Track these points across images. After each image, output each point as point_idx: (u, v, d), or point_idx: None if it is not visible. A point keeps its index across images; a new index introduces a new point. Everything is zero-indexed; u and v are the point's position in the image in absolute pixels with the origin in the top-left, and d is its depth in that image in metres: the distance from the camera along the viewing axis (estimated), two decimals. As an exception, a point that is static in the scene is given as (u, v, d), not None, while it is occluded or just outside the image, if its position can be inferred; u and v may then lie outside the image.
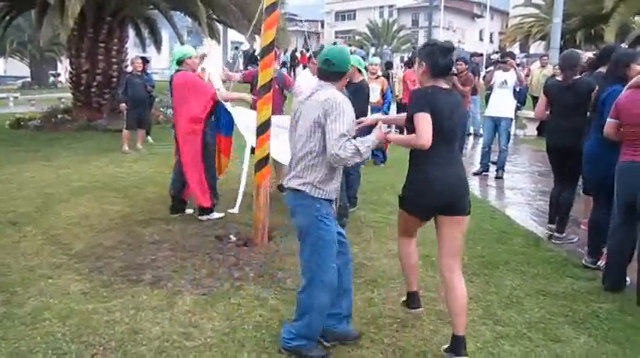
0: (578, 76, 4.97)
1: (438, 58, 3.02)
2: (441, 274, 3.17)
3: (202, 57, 7.90)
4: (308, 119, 2.95)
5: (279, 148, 5.24)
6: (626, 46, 15.52)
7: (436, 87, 3.05)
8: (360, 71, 6.01)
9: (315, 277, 2.99)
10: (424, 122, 2.89)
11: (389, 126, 7.52)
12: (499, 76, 8.26)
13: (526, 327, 3.47)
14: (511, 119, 8.44)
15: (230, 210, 5.78)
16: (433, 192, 3.02)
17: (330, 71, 3.01)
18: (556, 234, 5.24)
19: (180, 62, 5.55)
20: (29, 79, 33.79)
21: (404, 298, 3.63)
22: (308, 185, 2.97)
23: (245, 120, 5.72)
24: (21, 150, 9.81)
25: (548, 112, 5.27)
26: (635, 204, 3.88)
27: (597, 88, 4.67)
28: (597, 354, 3.19)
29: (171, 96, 5.69)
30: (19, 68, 36.46)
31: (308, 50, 26.97)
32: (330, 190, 3.02)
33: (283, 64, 20.66)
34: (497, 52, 26.87)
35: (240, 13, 13.21)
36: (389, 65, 15.68)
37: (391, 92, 10.04)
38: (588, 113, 4.85)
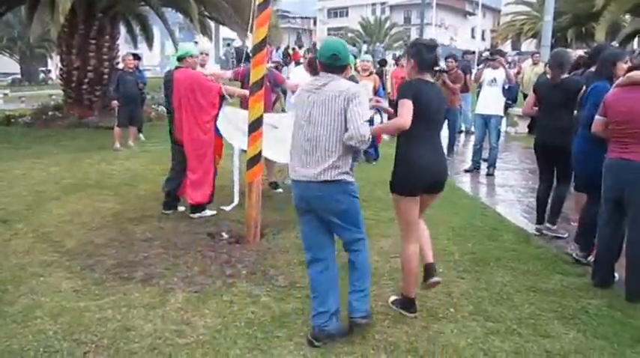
0: (566, 75, 5.03)
1: (424, 55, 3.37)
2: None
3: (205, 54, 7.89)
4: (330, 109, 3.04)
5: (270, 145, 5.25)
6: (617, 45, 15.65)
7: (421, 80, 3.40)
8: (350, 67, 6.04)
9: (364, 239, 3.30)
10: (406, 107, 3.23)
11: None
12: (488, 73, 8.29)
13: (516, 323, 3.50)
14: (501, 116, 8.48)
15: (222, 207, 5.78)
16: (422, 173, 3.38)
17: (337, 64, 3.14)
18: (547, 225, 5.29)
19: (180, 59, 5.53)
20: (19, 76, 33.53)
21: (394, 297, 3.70)
22: (345, 174, 3.12)
23: (234, 119, 5.72)
24: (11, 148, 9.75)
25: (537, 109, 5.32)
26: (622, 200, 3.92)
27: (585, 86, 4.72)
28: (586, 349, 3.23)
29: (170, 92, 5.63)
30: (9, 65, 36.17)
31: (300, 47, 26.96)
32: (353, 172, 3.24)
33: (285, 64, 20.34)
34: (488, 50, 26.97)
35: (232, 9, 13.18)
36: (383, 62, 15.67)
37: (384, 89, 10.06)
38: (575, 111, 4.91)
